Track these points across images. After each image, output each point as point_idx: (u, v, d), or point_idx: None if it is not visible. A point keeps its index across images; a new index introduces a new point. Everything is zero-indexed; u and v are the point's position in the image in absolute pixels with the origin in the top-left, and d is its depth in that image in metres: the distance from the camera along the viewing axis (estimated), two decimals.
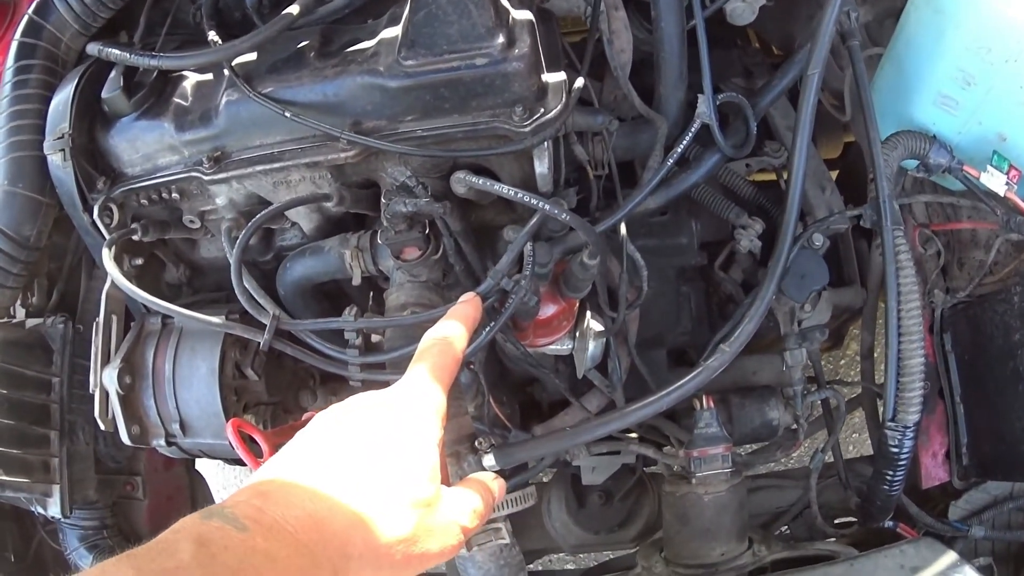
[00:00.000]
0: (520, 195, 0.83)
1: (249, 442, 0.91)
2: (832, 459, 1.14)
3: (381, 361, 0.92)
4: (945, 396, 1.10)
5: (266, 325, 0.93)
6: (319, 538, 0.50)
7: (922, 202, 1.11)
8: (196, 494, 1.37)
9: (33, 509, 1.12)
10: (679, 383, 0.88)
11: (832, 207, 1.11)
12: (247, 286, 0.95)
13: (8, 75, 1.10)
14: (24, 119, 1.08)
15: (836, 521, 1.19)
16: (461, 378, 0.97)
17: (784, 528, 1.22)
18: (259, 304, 0.95)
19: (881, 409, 1.02)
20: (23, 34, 1.09)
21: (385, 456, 0.57)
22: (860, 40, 0.98)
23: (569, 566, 1.90)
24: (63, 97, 1.04)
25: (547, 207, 0.82)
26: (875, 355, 1.17)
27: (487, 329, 0.84)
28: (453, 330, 0.71)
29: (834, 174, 1.30)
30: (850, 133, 1.34)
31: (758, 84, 1.17)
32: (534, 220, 0.86)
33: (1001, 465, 1.08)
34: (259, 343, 0.97)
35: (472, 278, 0.93)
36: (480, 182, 0.85)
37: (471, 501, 0.63)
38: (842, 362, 2.14)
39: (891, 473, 0.98)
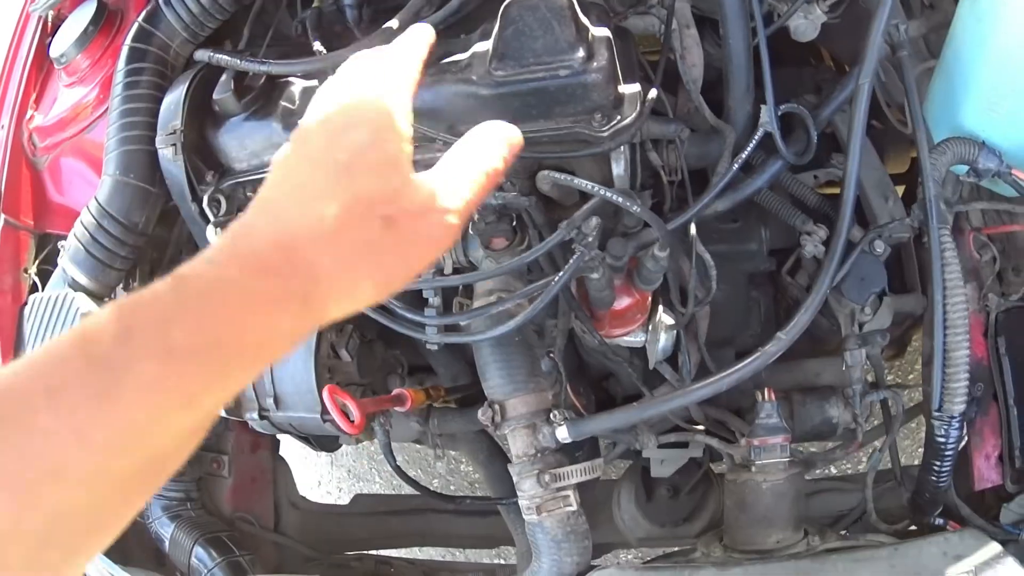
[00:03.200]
0: (596, 189, 1.13)
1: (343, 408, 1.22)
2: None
3: (458, 322, 1.21)
4: (999, 399, 1.35)
5: None
6: (286, 262, 0.55)
7: (978, 209, 1.38)
8: (278, 478, 1.68)
9: None
10: (738, 366, 1.17)
11: (895, 216, 1.39)
12: None
13: (119, 76, 1.42)
14: (136, 116, 1.40)
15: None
16: (542, 365, 1.26)
17: (843, 532, 1.48)
18: None
19: None
20: (134, 39, 1.43)
21: (349, 165, 0.60)
22: (909, 51, 1.27)
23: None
24: (175, 97, 1.36)
25: (620, 198, 1.11)
26: None
27: (554, 281, 1.12)
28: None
29: (902, 189, 1.57)
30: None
31: None
32: (593, 201, 1.15)
33: None
34: (352, 329, 1.29)
35: (555, 268, 1.22)
36: (562, 177, 1.15)
37: (454, 182, 0.64)
38: (911, 377, 2.41)
39: (938, 464, 1.24)
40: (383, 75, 0.67)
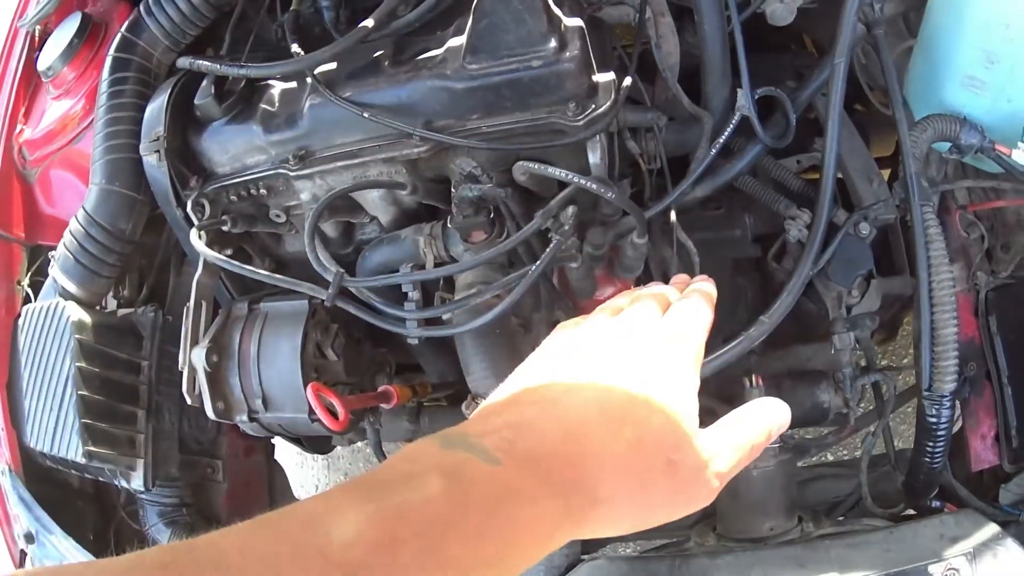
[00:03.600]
0: (571, 176, 1.14)
1: (327, 405, 1.23)
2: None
3: (438, 315, 1.22)
4: (992, 378, 1.35)
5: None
6: (573, 479, 0.54)
7: (964, 188, 1.38)
8: (274, 483, 1.70)
9: (116, 483, 1.45)
10: (721, 350, 1.17)
11: (880, 198, 1.39)
12: (318, 253, 1.26)
13: (104, 86, 1.45)
14: (120, 125, 1.43)
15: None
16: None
17: (840, 518, 1.48)
18: (325, 266, 1.26)
19: None
20: (117, 49, 1.46)
21: (647, 398, 0.61)
22: (885, 29, 1.27)
23: None
24: (158, 104, 1.39)
25: (594, 185, 1.12)
26: None
27: (532, 270, 1.13)
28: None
29: (888, 173, 1.57)
30: None
31: None
32: (569, 189, 1.16)
33: None
34: (338, 328, 1.30)
35: (534, 260, 1.23)
36: (536, 167, 1.17)
37: (728, 451, 0.65)
38: (904, 360, 2.40)
39: (931, 445, 1.24)
40: (681, 326, 0.70)
